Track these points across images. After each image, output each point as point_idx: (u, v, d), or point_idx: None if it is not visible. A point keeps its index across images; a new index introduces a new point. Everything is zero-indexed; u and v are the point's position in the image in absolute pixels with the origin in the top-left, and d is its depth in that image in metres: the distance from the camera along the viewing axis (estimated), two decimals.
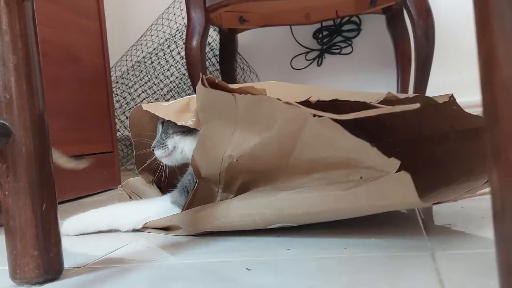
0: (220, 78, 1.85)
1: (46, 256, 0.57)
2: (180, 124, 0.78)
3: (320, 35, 1.90)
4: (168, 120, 0.82)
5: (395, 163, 0.56)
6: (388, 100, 0.67)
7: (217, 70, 1.86)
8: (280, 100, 0.60)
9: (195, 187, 0.76)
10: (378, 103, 0.63)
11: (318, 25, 1.88)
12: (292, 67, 1.93)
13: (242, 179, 0.73)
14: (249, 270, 0.55)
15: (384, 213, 0.78)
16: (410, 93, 1.63)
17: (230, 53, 1.83)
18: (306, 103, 0.61)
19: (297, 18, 1.77)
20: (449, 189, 0.70)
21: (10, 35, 0.57)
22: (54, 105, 1.38)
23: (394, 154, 0.87)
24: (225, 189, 0.75)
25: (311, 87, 0.80)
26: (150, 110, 0.84)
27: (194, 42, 1.43)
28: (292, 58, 1.93)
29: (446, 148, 0.79)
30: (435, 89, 1.55)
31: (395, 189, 0.57)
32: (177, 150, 0.83)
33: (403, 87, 1.78)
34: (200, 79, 0.63)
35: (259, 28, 1.80)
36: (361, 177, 0.60)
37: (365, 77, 1.89)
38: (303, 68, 1.93)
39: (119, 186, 1.05)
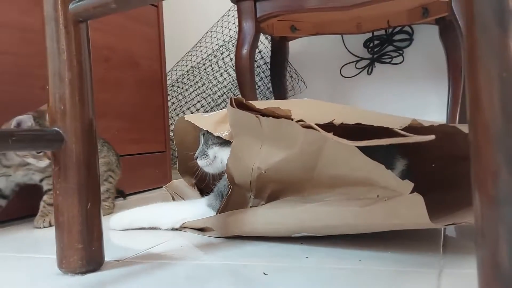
0: (270, 85, 1.90)
1: (89, 250, 0.65)
2: (216, 135, 0.84)
3: (371, 44, 1.92)
4: (208, 132, 0.89)
5: (409, 185, 0.59)
6: (413, 127, 0.69)
7: (267, 77, 1.92)
8: (303, 121, 0.64)
9: (229, 193, 0.81)
10: (402, 129, 0.66)
11: (369, 34, 1.89)
12: (342, 75, 1.96)
13: (271, 188, 0.78)
14: (265, 274, 0.60)
15: None
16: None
17: (280, 61, 1.88)
18: (329, 125, 0.65)
19: (348, 27, 1.79)
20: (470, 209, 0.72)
21: (66, 53, 0.65)
22: (115, 107, 1.49)
23: (429, 170, 0.89)
24: (257, 196, 0.80)
25: (340, 107, 0.84)
26: (192, 121, 0.91)
27: (244, 51, 1.49)
28: (342, 66, 1.96)
29: None
30: None
31: (408, 209, 0.60)
32: (217, 159, 0.89)
33: (454, 99, 1.77)
34: (229, 100, 0.69)
35: (310, 36, 1.84)
36: (378, 196, 0.64)
37: (416, 87, 1.89)
38: (352, 76, 1.95)
39: (163, 186, 1.13)
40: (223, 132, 0.83)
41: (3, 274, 0.69)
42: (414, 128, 0.69)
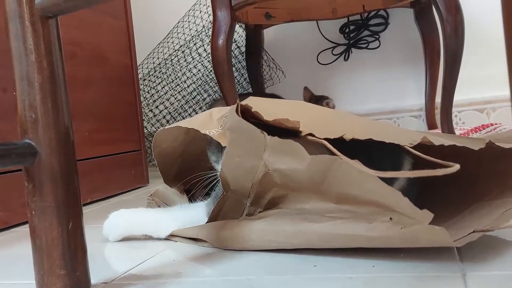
0: (246, 75, 1.84)
1: (73, 275, 0.57)
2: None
3: (347, 30, 1.87)
4: (208, 147, 0.82)
5: (428, 215, 0.53)
6: (423, 145, 0.64)
7: (244, 67, 1.85)
8: (312, 135, 0.59)
9: (222, 199, 0.75)
10: (412, 147, 0.62)
11: (345, 20, 1.85)
12: (319, 62, 1.91)
13: (273, 194, 0.71)
14: None
15: None
16: (439, 93, 1.58)
17: (256, 49, 1.81)
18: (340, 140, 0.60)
19: (323, 13, 1.74)
20: (482, 207, 0.68)
21: (35, 54, 0.57)
22: (84, 107, 1.40)
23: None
24: (254, 203, 0.74)
25: (347, 116, 0.78)
26: (177, 125, 0.84)
27: (220, 41, 1.42)
28: (319, 53, 1.91)
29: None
30: (464, 83, 1.51)
31: (430, 237, 0.55)
32: None
33: (432, 82, 1.75)
34: (235, 106, 0.63)
35: (285, 24, 1.78)
36: (390, 218, 0.58)
37: (393, 72, 1.86)
38: (329, 63, 1.90)
39: (148, 197, 1.04)
40: (211, 130, 0.76)
41: None
42: (424, 146, 0.64)
